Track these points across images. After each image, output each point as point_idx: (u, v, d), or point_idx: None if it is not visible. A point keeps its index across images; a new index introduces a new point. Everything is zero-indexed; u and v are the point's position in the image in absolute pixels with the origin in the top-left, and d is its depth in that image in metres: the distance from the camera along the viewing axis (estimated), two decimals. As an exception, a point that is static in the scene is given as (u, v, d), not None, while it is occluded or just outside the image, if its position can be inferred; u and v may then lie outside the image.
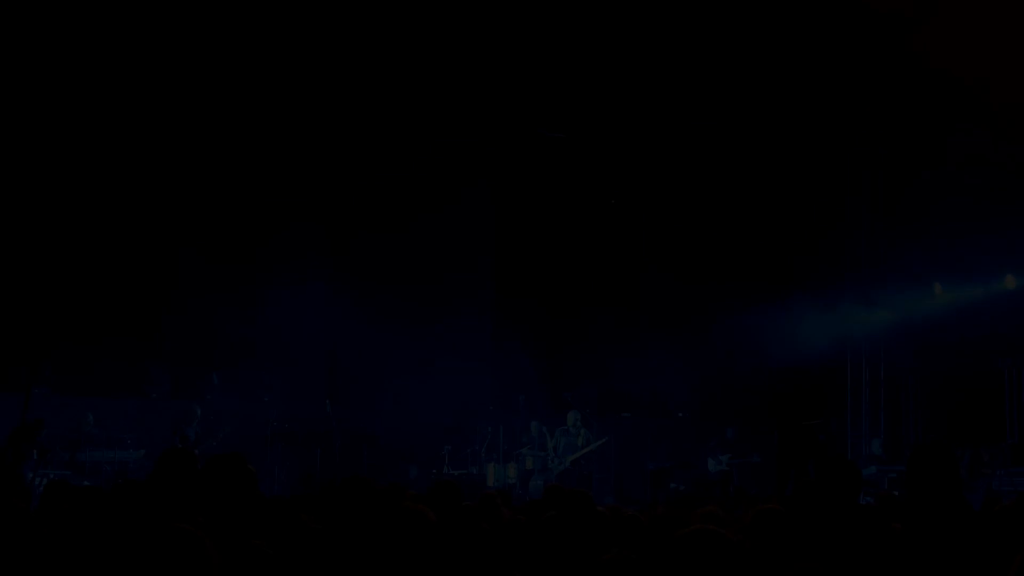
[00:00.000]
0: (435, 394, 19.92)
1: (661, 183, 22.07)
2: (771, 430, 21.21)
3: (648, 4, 16.71)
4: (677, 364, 21.25)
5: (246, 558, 4.33)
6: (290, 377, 20.10)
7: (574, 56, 17.75)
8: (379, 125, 20.11)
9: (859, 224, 21.11)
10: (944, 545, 4.75)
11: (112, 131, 18.26)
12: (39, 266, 17.70)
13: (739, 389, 21.58)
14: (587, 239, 22.19)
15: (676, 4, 16.76)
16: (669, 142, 21.44)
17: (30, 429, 14.59)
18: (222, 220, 19.70)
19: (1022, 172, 17.55)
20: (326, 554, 5.62)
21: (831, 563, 4.75)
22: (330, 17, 16.64)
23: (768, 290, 22.14)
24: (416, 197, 20.97)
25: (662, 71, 18.72)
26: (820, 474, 5.15)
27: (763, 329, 22.06)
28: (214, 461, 4.48)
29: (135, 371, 19.02)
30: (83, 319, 18.23)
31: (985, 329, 18.85)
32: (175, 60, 17.27)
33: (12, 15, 15.52)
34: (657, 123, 20.88)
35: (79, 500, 6.35)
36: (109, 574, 4.67)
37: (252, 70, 17.90)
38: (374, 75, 18.53)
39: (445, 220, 21.37)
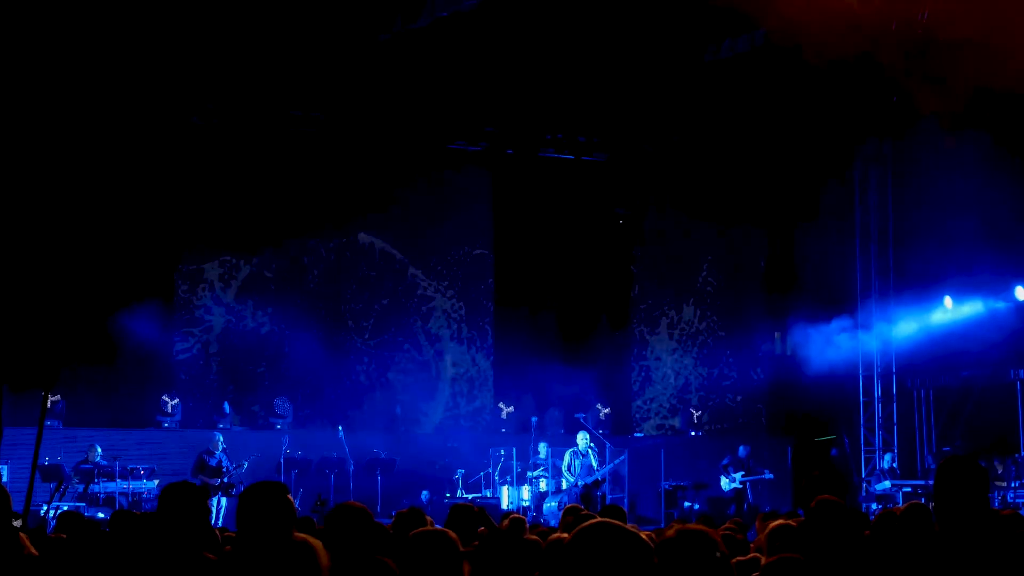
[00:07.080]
0: (445, 418, 19.83)
1: (663, 198, 22.10)
2: (784, 447, 21.13)
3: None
4: (691, 382, 21.18)
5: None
6: (301, 403, 20.12)
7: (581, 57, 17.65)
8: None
9: (868, 239, 21.05)
10: (974, 557, 4.73)
11: (125, 163, 18.37)
12: (48, 297, 17.72)
13: (753, 406, 21.50)
14: (589, 256, 22.12)
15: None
16: (675, 157, 21.46)
17: None
18: (226, 235, 19.73)
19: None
20: None
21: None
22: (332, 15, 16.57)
23: (777, 307, 22.11)
24: (423, 212, 21.15)
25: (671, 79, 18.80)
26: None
27: (774, 346, 22.00)
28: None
29: (147, 402, 19.03)
30: (93, 350, 18.27)
31: (997, 342, 18.76)
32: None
33: (15, 15, 15.57)
34: (670, 134, 20.93)
35: (88, 530, 6.37)
36: None
37: (251, 70, 17.89)
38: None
39: (448, 244, 21.47)
